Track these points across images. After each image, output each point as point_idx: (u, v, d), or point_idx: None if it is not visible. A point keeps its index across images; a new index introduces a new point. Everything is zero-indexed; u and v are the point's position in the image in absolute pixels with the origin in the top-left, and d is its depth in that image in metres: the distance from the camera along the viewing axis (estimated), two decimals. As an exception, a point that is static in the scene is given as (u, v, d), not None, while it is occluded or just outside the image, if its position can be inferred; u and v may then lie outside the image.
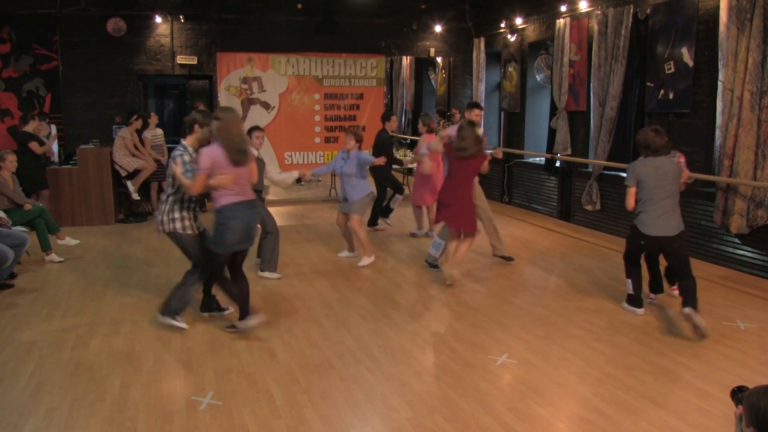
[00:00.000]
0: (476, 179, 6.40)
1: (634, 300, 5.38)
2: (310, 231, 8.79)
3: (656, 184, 4.98)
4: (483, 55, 11.35)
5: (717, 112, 6.40)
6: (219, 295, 5.22)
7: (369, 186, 6.88)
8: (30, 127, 8.54)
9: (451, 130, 7.48)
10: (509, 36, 10.60)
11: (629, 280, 5.37)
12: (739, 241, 6.45)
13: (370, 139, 11.60)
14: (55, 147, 9.46)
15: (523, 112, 10.49)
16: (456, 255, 6.09)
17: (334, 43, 11.30)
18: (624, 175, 7.95)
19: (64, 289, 6.04)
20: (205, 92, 11.82)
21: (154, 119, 9.75)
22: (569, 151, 9.00)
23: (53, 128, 9.56)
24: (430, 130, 8.17)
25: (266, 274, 6.38)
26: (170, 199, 4.80)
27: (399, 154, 10.99)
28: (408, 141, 13.26)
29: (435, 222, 6.39)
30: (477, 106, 6.67)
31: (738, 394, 1.99)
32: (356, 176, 6.74)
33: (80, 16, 10.10)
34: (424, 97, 15.19)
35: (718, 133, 6.40)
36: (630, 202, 5.17)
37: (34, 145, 8.35)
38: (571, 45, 8.83)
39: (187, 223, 4.82)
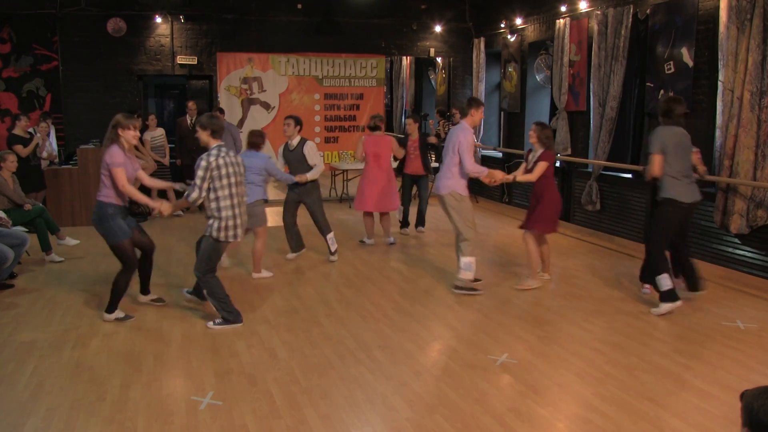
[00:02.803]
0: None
1: (672, 294, 5.17)
2: (309, 231, 8.79)
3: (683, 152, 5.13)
4: (483, 55, 11.35)
5: (717, 113, 6.40)
6: None
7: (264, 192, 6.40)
8: (19, 129, 8.39)
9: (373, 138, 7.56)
10: (509, 36, 10.60)
11: (665, 275, 5.13)
12: (739, 241, 6.45)
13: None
14: (54, 146, 9.44)
15: (523, 113, 10.49)
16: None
17: (334, 43, 11.31)
18: (624, 175, 8.03)
19: (64, 289, 6.05)
20: (205, 92, 11.83)
21: (153, 121, 9.75)
22: (569, 151, 9.00)
23: (53, 130, 9.52)
24: (376, 128, 7.62)
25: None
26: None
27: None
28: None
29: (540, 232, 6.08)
30: (482, 103, 5.99)
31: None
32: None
33: (80, 16, 10.10)
34: (424, 98, 15.20)
35: (718, 133, 6.40)
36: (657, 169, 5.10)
37: (17, 148, 8.19)
38: (570, 45, 8.83)
39: None
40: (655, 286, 5.31)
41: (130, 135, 5.02)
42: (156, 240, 8.02)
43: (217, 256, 5.05)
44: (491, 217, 9.88)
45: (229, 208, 4.90)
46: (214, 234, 4.91)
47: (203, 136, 4.99)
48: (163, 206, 5.16)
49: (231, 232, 4.94)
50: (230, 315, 5.00)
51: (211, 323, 5.01)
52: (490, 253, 7.41)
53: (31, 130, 8.77)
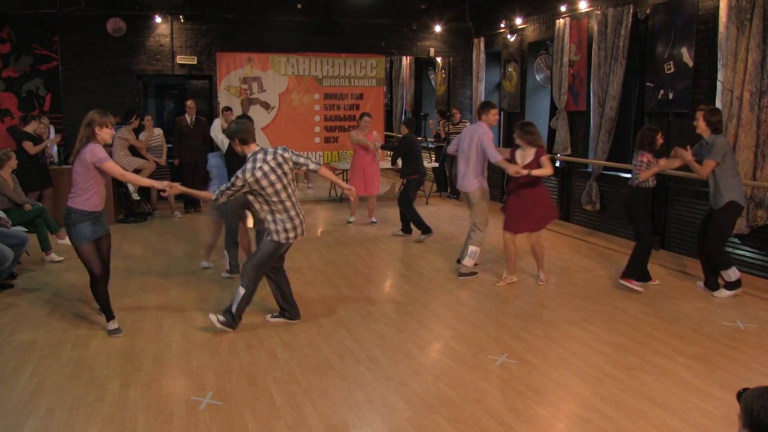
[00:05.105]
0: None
1: (737, 283, 5.77)
2: (309, 231, 8.79)
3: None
4: (483, 55, 11.35)
5: (717, 113, 6.40)
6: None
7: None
8: (30, 128, 8.54)
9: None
10: (509, 36, 10.60)
11: (733, 267, 5.74)
12: (738, 241, 6.45)
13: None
14: (54, 148, 9.46)
15: (523, 112, 10.48)
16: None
17: (334, 43, 11.30)
18: (624, 175, 8.03)
19: (64, 288, 6.04)
20: (205, 92, 11.82)
21: (149, 122, 9.75)
22: (569, 151, 9.00)
23: (52, 130, 9.53)
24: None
25: None
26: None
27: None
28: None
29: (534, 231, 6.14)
30: (494, 105, 6.55)
31: (742, 395, 1.99)
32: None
33: (80, 16, 10.10)
34: (424, 97, 15.20)
35: (717, 133, 6.40)
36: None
37: (27, 145, 8.32)
38: (570, 45, 8.83)
39: None
40: (722, 278, 5.85)
41: (106, 133, 4.64)
42: (155, 241, 8.10)
43: (274, 259, 4.90)
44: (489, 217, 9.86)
45: (282, 212, 4.69)
46: (275, 237, 4.72)
47: (236, 147, 4.76)
48: (175, 189, 4.85)
49: (292, 234, 4.76)
50: (234, 322, 4.85)
51: (216, 318, 4.81)
52: (489, 253, 7.40)
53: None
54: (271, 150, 4.69)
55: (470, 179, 6.37)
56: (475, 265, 6.53)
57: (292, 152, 4.82)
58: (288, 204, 4.70)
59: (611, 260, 7.18)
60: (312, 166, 4.92)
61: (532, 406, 3.71)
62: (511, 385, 4.01)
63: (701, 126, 5.61)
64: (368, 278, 6.45)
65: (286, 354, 4.49)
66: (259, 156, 4.62)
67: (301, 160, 4.88)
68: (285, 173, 4.68)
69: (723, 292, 5.81)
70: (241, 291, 4.81)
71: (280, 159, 4.67)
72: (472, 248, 6.37)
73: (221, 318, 4.85)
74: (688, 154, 5.77)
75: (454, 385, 3.98)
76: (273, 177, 4.60)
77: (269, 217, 4.70)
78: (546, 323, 5.14)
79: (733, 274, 5.74)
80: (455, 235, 8.33)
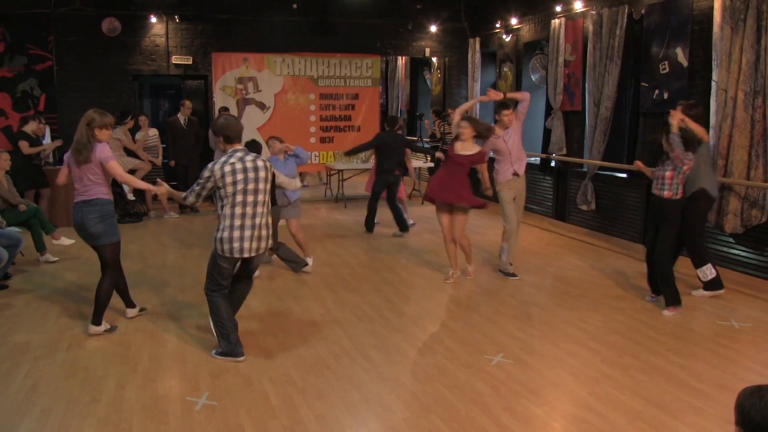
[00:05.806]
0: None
1: (718, 281, 5.71)
2: (306, 231, 8.77)
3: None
4: (478, 55, 11.36)
5: (711, 112, 6.42)
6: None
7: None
8: (29, 128, 8.50)
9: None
10: (504, 36, 10.62)
11: (710, 265, 5.65)
12: (733, 241, 6.47)
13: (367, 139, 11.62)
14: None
15: (519, 112, 10.49)
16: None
17: (330, 43, 11.30)
18: (619, 175, 8.05)
19: (59, 289, 6.03)
20: (200, 92, 11.81)
21: (144, 121, 9.72)
22: (564, 151, 9.01)
23: (48, 130, 9.50)
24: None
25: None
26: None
27: None
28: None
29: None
30: (508, 106, 6.47)
31: None
32: (292, 177, 6.66)
33: (75, 16, 10.07)
34: (420, 97, 15.20)
35: (712, 133, 6.41)
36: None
37: (22, 144, 8.31)
38: (566, 45, 8.84)
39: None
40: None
41: (105, 135, 4.68)
42: (150, 241, 8.09)
43: (220, 273, 4.37)
44: (486, 216, 9.87)
45: (228, 218, 4.25)
46: (214, 245, 4.34)
47: (219, 144, 4.43)
48: (162, 188, 4.72)
49: (227, 246, 4.26)
50: (228, 345, 4.38)
51: (213, 351, 4.49)
52: (486, 253, 7.41)
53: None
54: (255, 154, 4.38)
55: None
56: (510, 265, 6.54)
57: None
58: (237, 211, 4.24)
59: (607, 260, 7.19)
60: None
61: (528, 406, 3.72)
62: (506, 384, 4.01)
63: None
64: (364, 278, 6.45)
65: (281, 354, 4.48)
66: (238, 154, 4.29)
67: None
68: (257, 180, 4.27)
69: (701, 292, 5.76)
70: (210, 316, 4.54)
71: (259, 164, 4.31)
72: (503, 244, 6.53)
73: (216, 350, 4.49)
74: (677, 115, 5.40)
75: (449, 385, 3.98)
76: (240, 177, 4.20)
77: (219, 223, 4.33)
78: (542, 323, 5.15)
79: (709, 272, 5.64)
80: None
